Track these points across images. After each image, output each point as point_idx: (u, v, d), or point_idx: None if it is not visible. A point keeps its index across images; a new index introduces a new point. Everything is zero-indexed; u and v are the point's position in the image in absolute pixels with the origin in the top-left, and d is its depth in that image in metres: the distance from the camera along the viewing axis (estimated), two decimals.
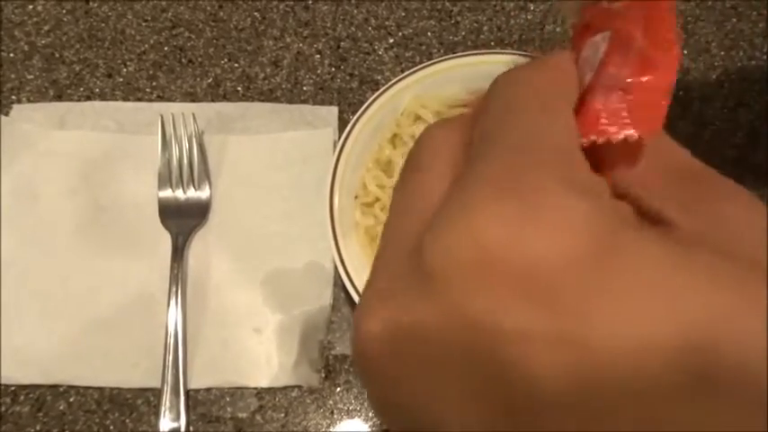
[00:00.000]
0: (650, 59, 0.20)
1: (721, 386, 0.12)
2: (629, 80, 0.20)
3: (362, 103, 0.45)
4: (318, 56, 0.50)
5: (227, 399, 0.39)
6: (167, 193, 0.44)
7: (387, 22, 0.52)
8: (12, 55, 0.50)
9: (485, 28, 0.52)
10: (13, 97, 0.48)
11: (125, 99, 0.48)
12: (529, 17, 0.52)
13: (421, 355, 0.14)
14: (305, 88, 0.49)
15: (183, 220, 0.43)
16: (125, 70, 0.50)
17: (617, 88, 0.20)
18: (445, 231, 0.13)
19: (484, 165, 0.14)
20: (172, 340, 0.39)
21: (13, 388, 0.40)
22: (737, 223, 0.15)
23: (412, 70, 0.43)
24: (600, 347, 0.12)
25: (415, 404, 0.14)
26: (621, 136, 0.18)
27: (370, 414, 0.39)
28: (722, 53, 0.51)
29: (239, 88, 0.49)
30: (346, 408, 0.39)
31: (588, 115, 0.19)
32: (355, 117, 0.41)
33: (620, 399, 0.13)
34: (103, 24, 0.51)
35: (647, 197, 0.16)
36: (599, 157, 0.18)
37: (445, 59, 0.43)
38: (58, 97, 0.48)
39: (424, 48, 0.51)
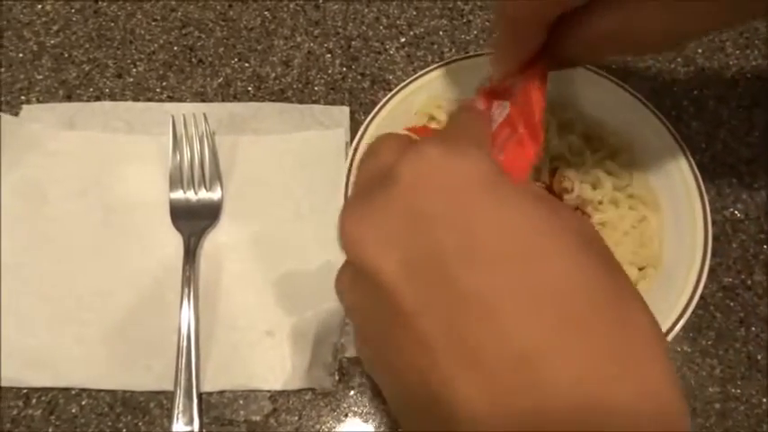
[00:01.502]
0: (524, 141, 0.30)
1: None
2: (507, 149, 0.30)
3: (374, 102, 0.45)
4: (329, 55, 0.50)
5: (241, 402, 0.39)
6: (179, 195, 0.44)
7: (398, 21, 0.51)
8: (21, 55, 0.50)
9: None
10: (23, 97, 0.48)
11: (135, 99, 0.48)
12: None
13: (377, 224, 0.22)
14: (316, 88, 0.49)
15: (194, 222, 0.43)
16: (135, 70, 0.49)
17: (499, 153, 0.29)
18: (409, 157, 0.22)
19: (430, 140, 0.23)
20: (185, 343, 0.39)
21: (25, 391, 0.39)
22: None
23: (425, 70, 0.42)
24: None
25: (366, 252, 0.22)
26: None
27: (385, 417, 0.39)
28: (737, 52, 0.50)
29: (250, 88, 0.49)
30: (360, 411, 0.39)
31: None
32: (369, 118, 0.40)
33: None
34: (113, 24, 0.51)
35: None
36: None
37: (459, 59, 0.43)
38: (68, 97, 0.48)
39: (435, 47, 0.50)
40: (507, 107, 0.32)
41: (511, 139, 0.30)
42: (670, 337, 0.35)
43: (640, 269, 0.38)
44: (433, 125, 0.42)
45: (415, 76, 0.42)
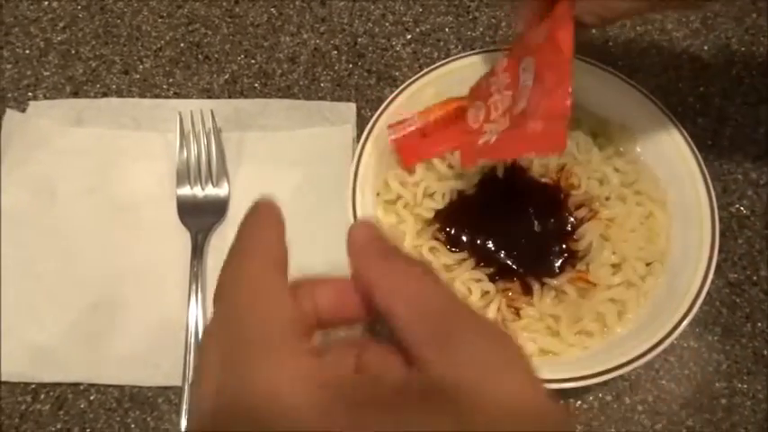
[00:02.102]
0: (552, 92, 0.31)
1: None
2: (541, 108, 0.32)
3: (380, 99, 0.45)
4: (336, 52, 0.50)
5: None
6: (186, 191, 0.44)
7: (404, 18, 0.51)
8: (28, 52, 0.50)
9: (503, 24, 0.51)
10: (30, 94, 0.48)
11: (142, 96, 0.48)
12: None
13: None
14: (322, 84, 0.49)
15: (201, 218, 0.43)
16: (141, 67, 0.49)
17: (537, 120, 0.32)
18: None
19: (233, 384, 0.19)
20: (192, 339, 0.39)
21: (33, 386, 0.40)
22: (482, 355, 0.19)
23: (432, 67, 0.42)
24: None
25: None
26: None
27: None
28: (742, 49, 0.50)
29: (256, 85, 0.49)
30: None
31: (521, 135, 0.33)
32: (377, 114, 0.41)
33: None
34: (119, 21, 0.51)
35: (410, 341, 0.20)
36: None
37: (465, 56, 0.43)
38: (75, 94, 0.48)
39: (441, 44, 0.50)
40: (532, 64, 0.34)
41: (542, 100, 0.32)
42: (677, 333, 0.35)
43: (647, 264, 0.38)
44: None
45: (421, 73, 0.42)
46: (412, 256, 0.23)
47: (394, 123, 0.40)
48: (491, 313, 0.37)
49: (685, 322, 0.35)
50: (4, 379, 0.39)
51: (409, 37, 0.51)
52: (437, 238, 0.39)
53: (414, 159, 0.40)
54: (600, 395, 0.40)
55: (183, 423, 0.37)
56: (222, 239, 0.43)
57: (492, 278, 0.38)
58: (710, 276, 0.36)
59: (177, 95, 0.48)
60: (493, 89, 0.38)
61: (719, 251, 0.37)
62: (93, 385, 0.40)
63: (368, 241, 0.23)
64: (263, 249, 0.23)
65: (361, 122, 0.46)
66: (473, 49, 0.44)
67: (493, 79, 0.38)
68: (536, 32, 0.35)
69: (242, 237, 0.24)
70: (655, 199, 0.40)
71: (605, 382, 0.38)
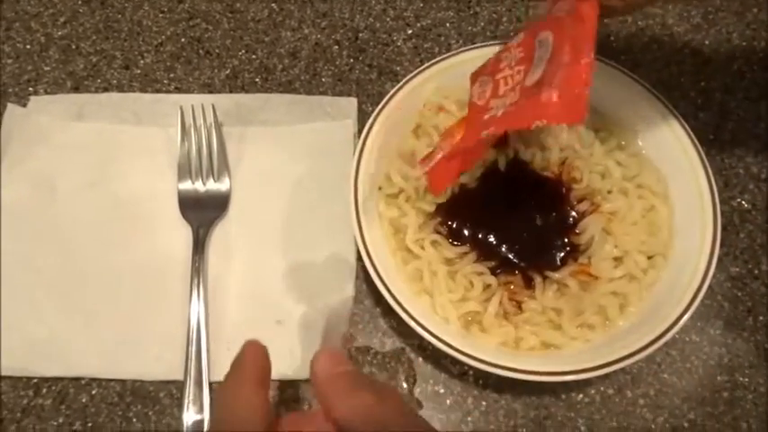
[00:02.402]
0: (570, 65, 0.31)
1: None
2: (553, 79, 0.31)
3: (381, 94, 0.45)
4: (337, 47, 0.50)
5: None
6: (187, 185, 0.44)
7: (405, 13, 0.51)
8: (28, 47, 0.50)
9: (504, 19, 0.51)
10: (31, 89, 0.48)
11: (142, 90, 0.48)
12: None
13: None
14: (323, 79, 0.49)
15: (203, 213, 0.43)
16: (142, 62, 0.49)
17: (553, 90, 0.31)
18: None
19: None
20: (194, 333, 0.39)
21: (35, 381, 0.39)
22: None
23: (433, 62, 0.42)
24: None
25: None
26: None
27: None
28: (744, 44, 0.50)
29: (257, 80, 0.49)
30: None
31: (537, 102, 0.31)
32: (378, 108, 0.41)
33: None
34: (120, 16, 0.51)
35: None
36: None
37: (466, 50, 0.43)
38: (76, 89, 0.48)
39: (442, 39, 0.50)
40: (550, 37, 0.33)
41: (559, 71, 0.31)
42: (679, 327, 0.35)
43: (649, 258, 0.38)
44: (442, 114, 0.42)
45: (422, 68, 0.42)
46: (376, 383, 0.25)
47: (423, 158, 0.39)
48: (493, 307, 0.37)
49: (687, 316, 0.35)
50: (4, 373, 0.39)
51: (410, 32, 0.51)
52: (439, 232, 0.39)
53: (443, 185, 0.38)
54: (602, 388, 0.40)
55: (185, 417, 0.37)
56: (224, 234, 0.43)
57: (494, 271, 0.38)
58: (712, 270, 0.36)
59: (178, 90, 0.48)
60: (503, 65, 0.37)
61: (721, 245, 0.37)
62: (94, 380, 0.40)
63: (331, 374, 0.25)
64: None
65: (363, 117, 0.46)
66: (474, 44, 0.44)
67: (504, 54, 0.37)
68: (557, 8, 0.34)
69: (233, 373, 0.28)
70: (656, 192, 0.40)
71: (607, 376, 0.38)
